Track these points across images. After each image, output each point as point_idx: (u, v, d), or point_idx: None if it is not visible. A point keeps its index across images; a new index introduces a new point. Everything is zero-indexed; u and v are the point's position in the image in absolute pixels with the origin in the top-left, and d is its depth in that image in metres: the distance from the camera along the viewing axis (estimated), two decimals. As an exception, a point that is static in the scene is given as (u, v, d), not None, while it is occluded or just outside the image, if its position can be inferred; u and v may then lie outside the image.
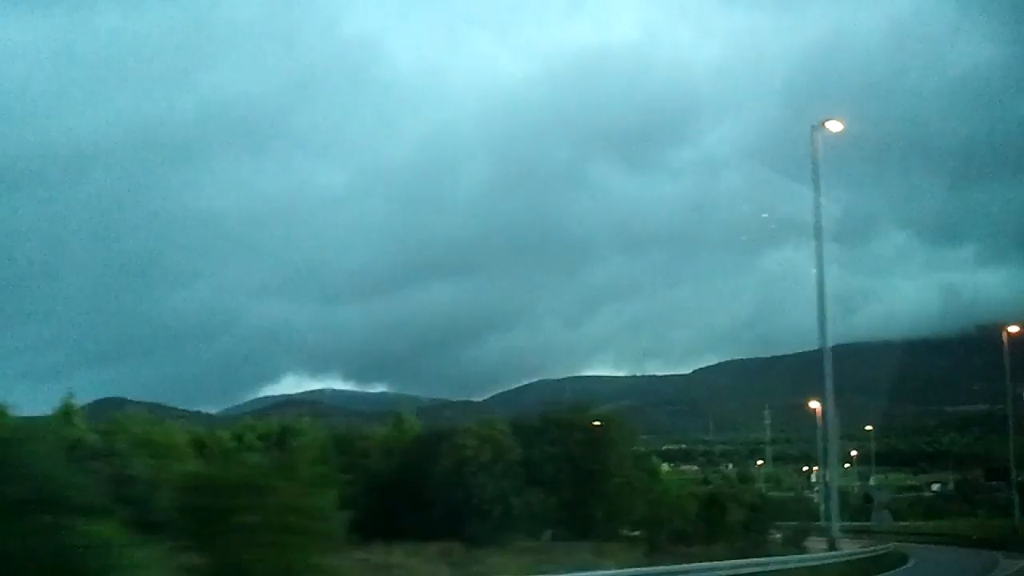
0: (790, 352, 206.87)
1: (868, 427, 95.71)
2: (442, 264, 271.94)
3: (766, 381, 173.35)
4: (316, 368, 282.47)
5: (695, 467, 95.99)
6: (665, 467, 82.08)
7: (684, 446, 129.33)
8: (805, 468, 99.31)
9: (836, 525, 35.50)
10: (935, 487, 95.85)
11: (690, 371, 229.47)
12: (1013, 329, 46.59)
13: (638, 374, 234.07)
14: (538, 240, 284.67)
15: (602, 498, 33.28)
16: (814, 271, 30.10)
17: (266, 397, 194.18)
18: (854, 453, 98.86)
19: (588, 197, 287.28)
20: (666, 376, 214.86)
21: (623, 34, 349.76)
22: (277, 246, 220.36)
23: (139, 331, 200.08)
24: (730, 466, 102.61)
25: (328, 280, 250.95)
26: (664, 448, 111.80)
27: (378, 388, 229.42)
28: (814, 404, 74.51)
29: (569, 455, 33.22)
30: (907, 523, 63.67)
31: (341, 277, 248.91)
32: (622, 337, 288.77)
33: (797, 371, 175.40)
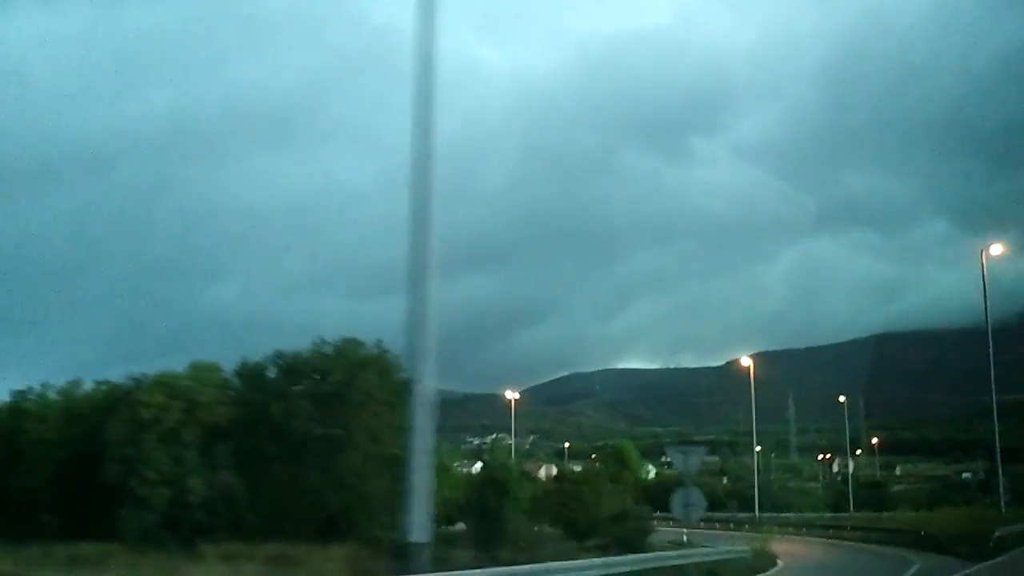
0: (825, 343, 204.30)
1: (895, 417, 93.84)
2: (472, 257, 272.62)
3: (800, 372, 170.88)
4: None
5: (716, 458, 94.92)
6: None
7: (712, 437, 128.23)
8: (820, 457, 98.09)
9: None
10: (965, 476, 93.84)
11: (723, 363, 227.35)
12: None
13: (671, 366, 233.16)
14: (569, 231, 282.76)
15: (326, 485, 23.19)
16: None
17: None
18: (875, 441, 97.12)
19: (620, 186, 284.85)
20: (699, 368, 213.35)
21: (654, 19, 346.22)
22: (306, 241, 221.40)
23: (169, 328, 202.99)
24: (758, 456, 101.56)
25: (358, 275, 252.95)
26: (696, 439, 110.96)
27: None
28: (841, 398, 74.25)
29: (292, 417, 23.26)
30: (885, 514, 59.75)
31: (371, 271, 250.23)
32: (655, 329, 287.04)
33: (832, 362, 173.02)
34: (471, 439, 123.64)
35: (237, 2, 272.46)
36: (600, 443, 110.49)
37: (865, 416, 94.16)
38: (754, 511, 59.02)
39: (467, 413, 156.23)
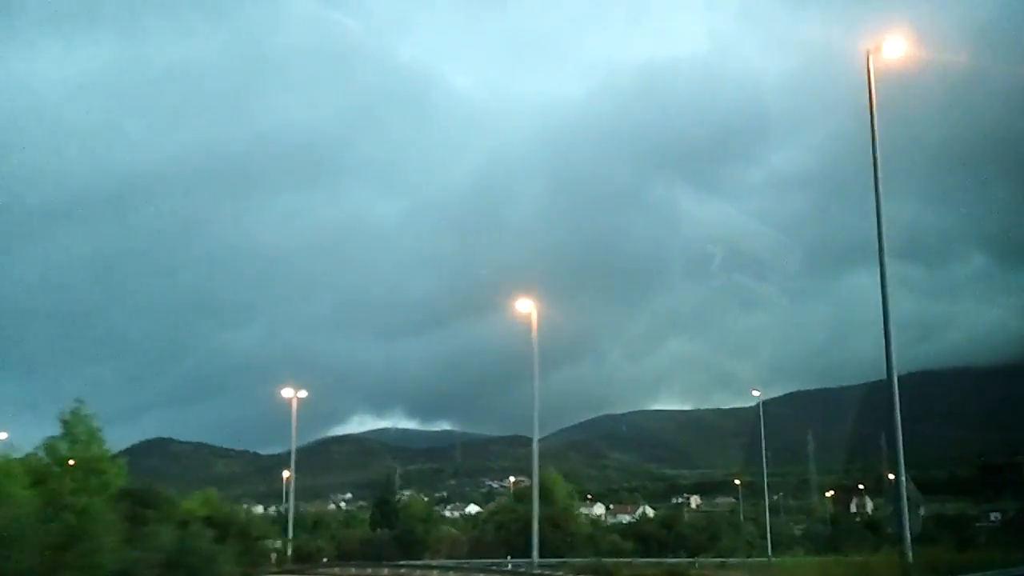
0: (857, 383, 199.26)
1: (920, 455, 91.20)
2: (501, 294, 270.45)
3: (833, 410, 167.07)
4: (380, 406, 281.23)
5: (731, 499, 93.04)
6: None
7: (736, 477, 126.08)
8: (830, 494, 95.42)
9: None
10: (994, 516, 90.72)
11: (755, 403, 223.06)
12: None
13: (703, 407, 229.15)
14: (600, 266, 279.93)
15: None
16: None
17: (332, 437, 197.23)
18: (891, 476, 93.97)
19: (651, 219, 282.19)
20: (732, 409, 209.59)
21: (689, 47, 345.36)
22: (333, 280, 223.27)
23: (197, 371, 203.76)
24: (777, 497, 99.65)
25: (386, 314, 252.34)
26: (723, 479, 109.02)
27: (441, 426, 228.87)
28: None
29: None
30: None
31: (399, 311, 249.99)
32: (688, 368, 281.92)
33: (864, 401, 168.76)
34: (488, 482, 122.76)
35: (265, 39, 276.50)
36: (621, 486, 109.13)
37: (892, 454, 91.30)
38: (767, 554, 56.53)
39: (489, 456, 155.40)
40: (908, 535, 26.45)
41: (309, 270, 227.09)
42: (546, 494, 51.12)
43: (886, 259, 24.42)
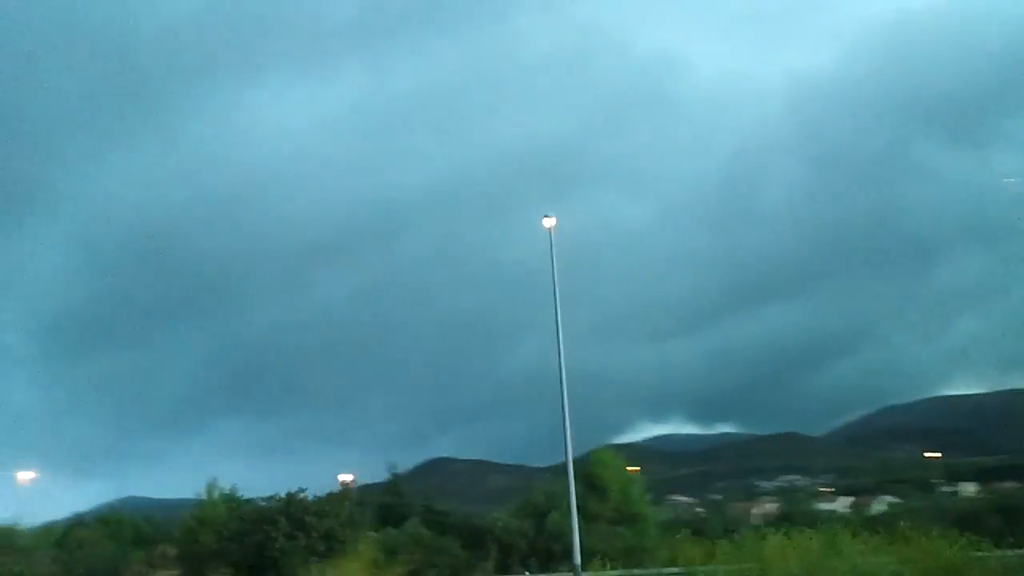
0: None
1: None
2: (767, 284, 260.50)
3: None
4: (659, 413, 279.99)
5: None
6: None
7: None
8: None
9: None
10: None
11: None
12: None
13: (1001, 389, 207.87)
14: (871, 242, 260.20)
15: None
16: None
17: (604, 448, 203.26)
18: None
19: (922, 184, 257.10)
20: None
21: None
22: (592, 289, 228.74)
23: (474, 391, 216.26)
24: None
25: (651, 318, 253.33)
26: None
27: (721, 428, 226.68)
28: None
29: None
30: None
31: (664, 313, 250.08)
32: (980, 347, 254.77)
33: None
34: (759, 482, 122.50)
35: (501, 50, 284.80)
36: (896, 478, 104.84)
37: None
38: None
39: (761, 455, 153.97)
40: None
41: (567, 281, 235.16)
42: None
43: None
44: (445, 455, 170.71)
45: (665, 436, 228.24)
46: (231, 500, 41.06)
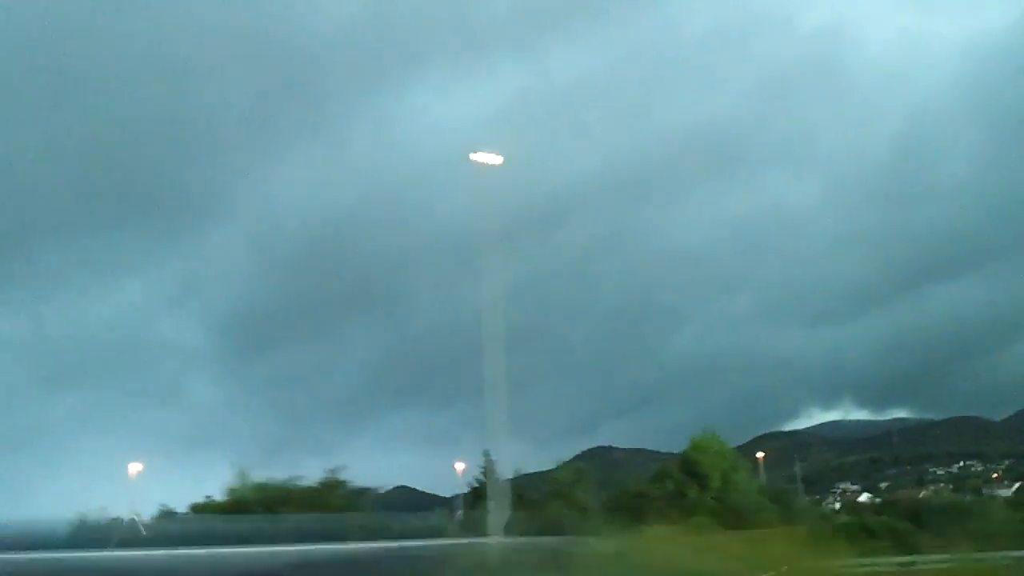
0: None
1: None
2: (943, 262, 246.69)
3: None
4: (828, 398, 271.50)
5: None
6: None
7: None
8: None
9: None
10: None
11: None
12: None
13: None
14: None
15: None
16: None
17: (766, 435, 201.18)
18: None
19: None
20: None
21: None
22: (757, 272, 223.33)
23: (638, 378, 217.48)
24: None
25: (818, 301, 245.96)
26: None
27: (894, 414, 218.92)
28: None
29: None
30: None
31: (832, 296, 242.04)
32: None
33: None
34: (933, 468, 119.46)
35: (661, 32, 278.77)
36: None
37: None
38: None
39: (933, 441, 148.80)
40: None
41: (730, 264, 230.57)
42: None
43: None
44: (606, 444, 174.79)
45: (834, 422, 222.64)
46: None
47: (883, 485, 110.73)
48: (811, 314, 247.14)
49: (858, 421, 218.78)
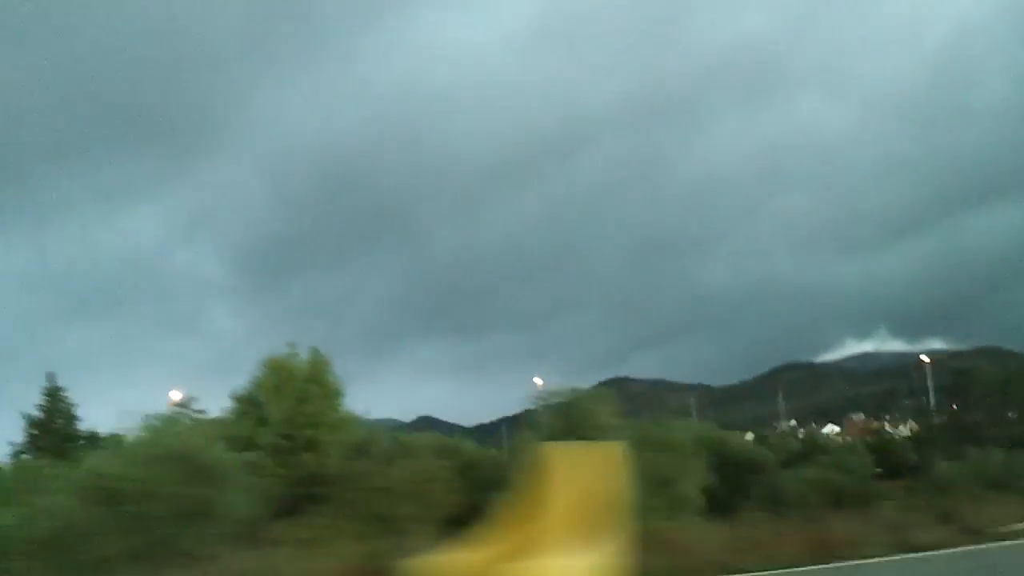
0: None
1: None
2: (982, 186, 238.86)
3: None
4: (864, 329, 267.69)
5: None
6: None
7: None
8: None
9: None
10: None
11: None
12: None
13: None
14: None
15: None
16: None
17: (791, 364, 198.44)
18: None
19: None
20: None
21: None
22: (788, 200, 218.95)
23: (661, 310, 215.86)
24: None
25: (851, 229, 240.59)
26: None
27: (931, 344, 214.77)
28: None
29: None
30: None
31: (866, 224, 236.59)
32: None
33: None
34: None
35: None
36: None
37: None
38: None
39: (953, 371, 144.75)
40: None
41: (761, 192, 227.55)
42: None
43: None
44: (624, 375, 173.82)
45: (866, 354, 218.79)
46: None
47: (887, 417, 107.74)
48: (847, 243, 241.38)
49: (891, 352, 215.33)
